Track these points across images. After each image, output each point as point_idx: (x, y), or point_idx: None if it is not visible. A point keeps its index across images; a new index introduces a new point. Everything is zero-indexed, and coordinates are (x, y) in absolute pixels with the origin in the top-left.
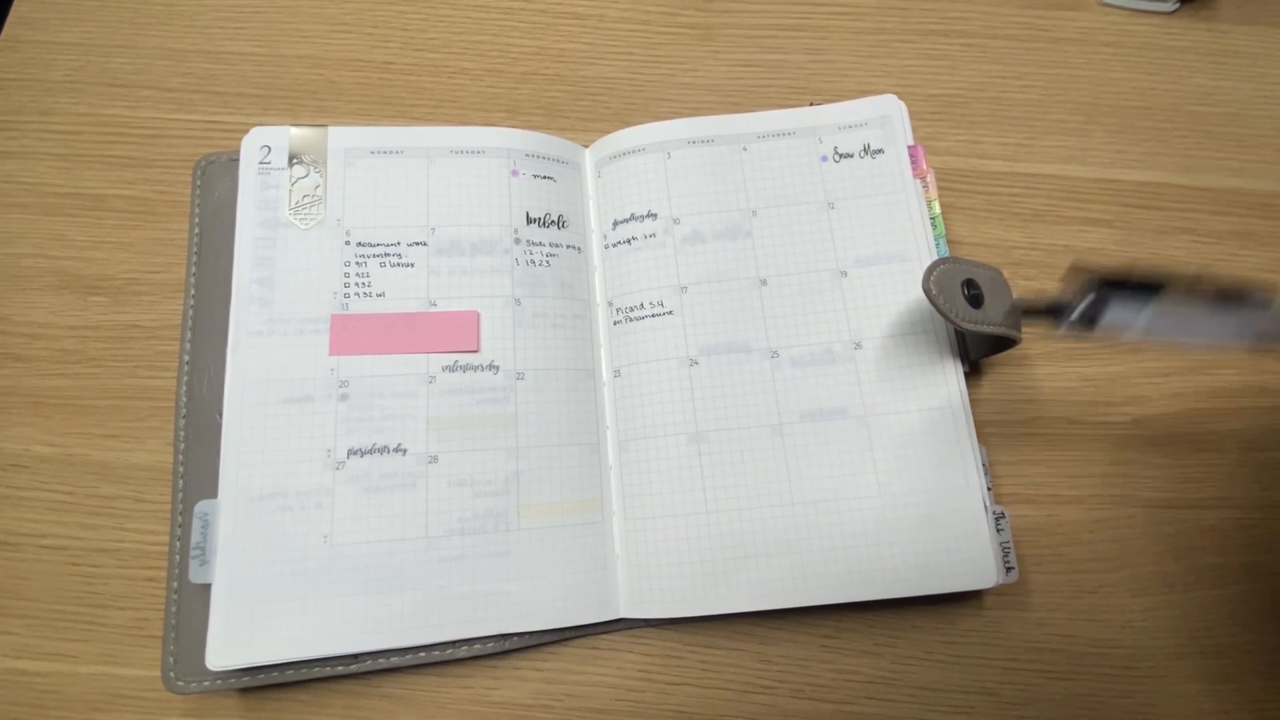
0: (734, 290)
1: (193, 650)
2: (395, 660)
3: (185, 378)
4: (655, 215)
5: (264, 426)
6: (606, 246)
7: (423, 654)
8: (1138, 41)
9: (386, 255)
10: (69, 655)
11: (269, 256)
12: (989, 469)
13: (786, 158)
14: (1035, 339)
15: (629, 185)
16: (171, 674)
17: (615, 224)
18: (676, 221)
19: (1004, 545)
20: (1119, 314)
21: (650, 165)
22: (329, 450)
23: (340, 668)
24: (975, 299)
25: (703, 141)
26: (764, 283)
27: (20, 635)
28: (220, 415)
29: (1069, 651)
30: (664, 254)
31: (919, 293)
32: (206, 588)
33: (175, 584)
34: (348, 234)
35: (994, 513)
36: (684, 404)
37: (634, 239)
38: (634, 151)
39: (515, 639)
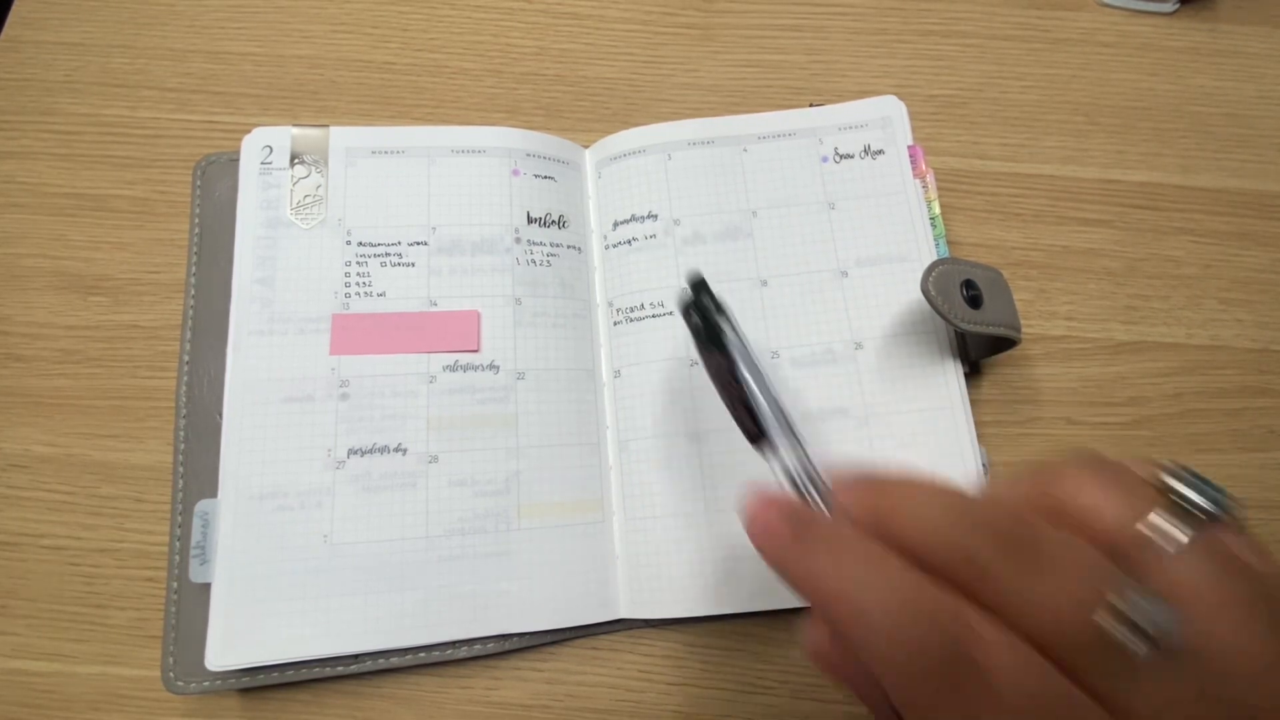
0: (735, 291)
1: (192, 650)
2: (395, 660)
3: (185, 378)
4: (656, 216)
5: (264, 426)
6: (607, 247)
7: (423, 654)
8: (1138, 42)
9: (387, 255)
10: (69, 655)
11: (270, 256)
12: (989, 469)
13: (787, 159)
14: (1035, 339)
15: (629, 186)
16: (171, 674)
17: (615, 224)
18: (677, 222)
19: None
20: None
21: (651, 167)
22: (329, 450)
23: (340, 668)
24: (974, 299)
25: (703, 143)
26: (764, 283)
27: (20, 635)
28: (220, 415)
29: None
30: (664, 255)
31: (919, 293)
32: (206, 588)
33: (175, 584)
34: (349, 233)
35: None
36: (684, 404)
37: (634, 239)
38: (634, 153)
39: (515, 639)
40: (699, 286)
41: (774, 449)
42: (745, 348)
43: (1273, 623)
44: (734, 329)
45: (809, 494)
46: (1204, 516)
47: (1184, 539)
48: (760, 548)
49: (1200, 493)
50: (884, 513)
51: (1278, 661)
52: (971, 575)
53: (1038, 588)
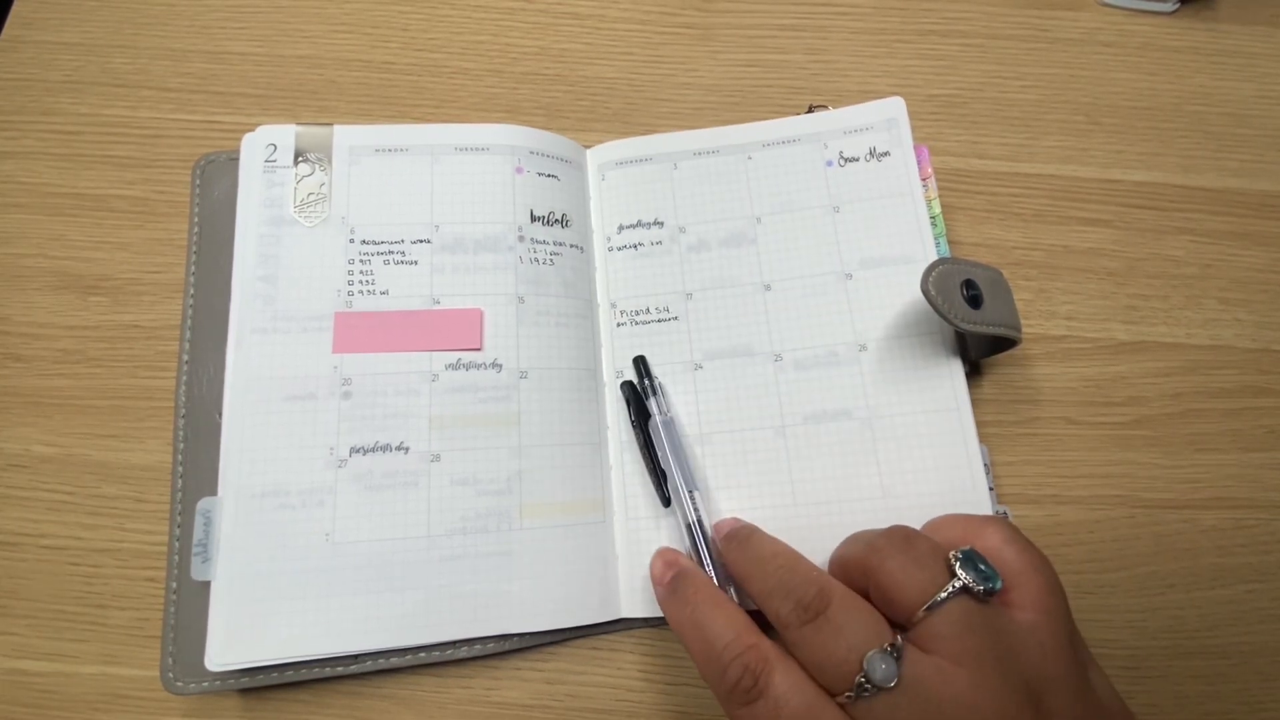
0: (738, 295)
1: (192, 650)
2: (396, 660)
3: (185, 377)
4: (662, 224)
5: (266, 424)
6: (610, 249)
7: (423, 654)
8: (1138, 41)
9: (390, 253)
10: (69, 655)
11: (273, 254)
12: (990, 469)
13: (791, 164)
14: (1035, 339)
15: (635, 192)
16: (171, 674)
17: (620, 228)
18: (682, 230)
19: None
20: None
21: (656, 175)
22: (331, 448)
23: (340, 668)
24: (974, 299)
25: (709, 153)
26: (768, 287)
27: (20, 635)
28: (220, 415)
29: None
30: (670, 261)
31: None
32: (206, 588)
33: (175, 584)
34: (352, 232)
35: (998, 513)
36: (687, 406)
37: (640, 244)
38: (640, 160)
39: (516, 639)
40: (640, 370)
41: (679, 510)
42: (671, 426)
43: (981, 662)
44: (662, 410)
45: (699, 546)
46: (972, 589)
47: (942, 602)
48: (655, 592)
49: (971, 572)
50: (742, 574)
51: (969, 689)
52: (780, 625)
53: (816, 641)
